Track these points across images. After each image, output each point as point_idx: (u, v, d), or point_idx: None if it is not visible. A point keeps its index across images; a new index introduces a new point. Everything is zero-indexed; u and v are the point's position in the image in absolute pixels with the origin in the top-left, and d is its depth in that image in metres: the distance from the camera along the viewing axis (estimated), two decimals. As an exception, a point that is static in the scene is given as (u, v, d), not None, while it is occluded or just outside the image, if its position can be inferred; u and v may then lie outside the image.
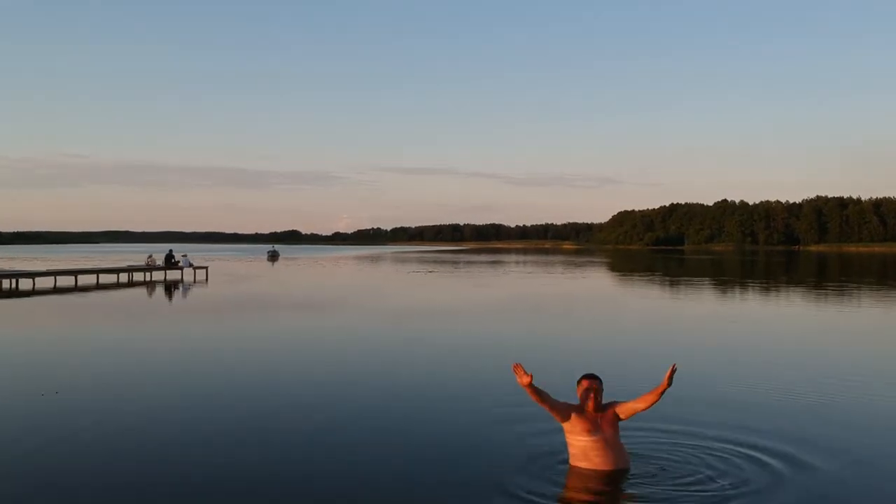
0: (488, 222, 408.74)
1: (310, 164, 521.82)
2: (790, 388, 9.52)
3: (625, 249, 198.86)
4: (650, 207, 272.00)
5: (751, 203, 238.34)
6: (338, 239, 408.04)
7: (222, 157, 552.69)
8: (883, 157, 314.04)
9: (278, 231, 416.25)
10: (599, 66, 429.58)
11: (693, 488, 5.50)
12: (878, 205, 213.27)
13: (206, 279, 35.97)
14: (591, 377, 5.90)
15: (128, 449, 6.70)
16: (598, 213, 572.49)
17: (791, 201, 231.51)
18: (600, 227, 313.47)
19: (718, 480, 5.67)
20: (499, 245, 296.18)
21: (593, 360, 10.26)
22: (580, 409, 5.74)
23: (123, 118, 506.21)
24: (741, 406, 8.40)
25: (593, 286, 35.72)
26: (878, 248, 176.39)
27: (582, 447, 5.70)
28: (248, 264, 61.06)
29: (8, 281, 29.05)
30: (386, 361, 11.88)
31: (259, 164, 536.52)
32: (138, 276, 35.31)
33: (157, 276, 36.77)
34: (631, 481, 5.60)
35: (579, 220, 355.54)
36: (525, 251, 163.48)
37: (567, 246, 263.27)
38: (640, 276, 45.64)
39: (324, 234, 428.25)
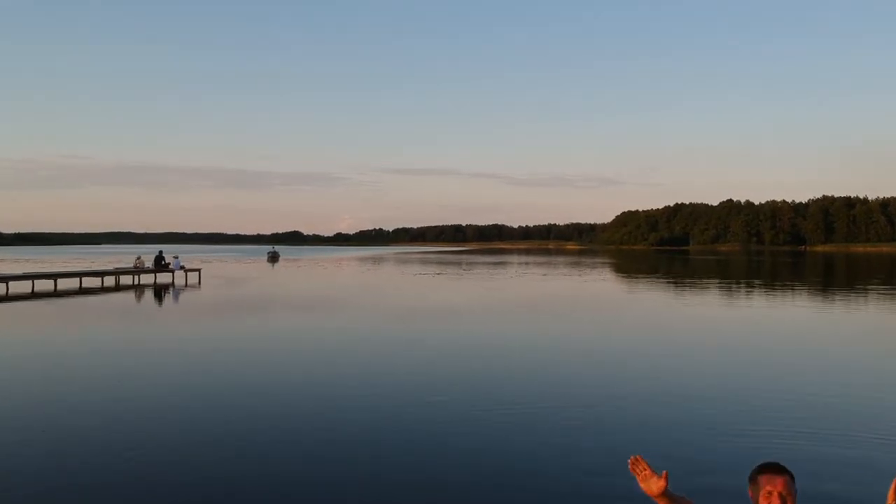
0: (490, 223, 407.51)
1: (310, 164, 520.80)
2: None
3: (629, 250, 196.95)
4: (653, 207, 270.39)
5: (756, 203, 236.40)
6: (340, 240, 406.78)
7: (223, 157, 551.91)
8: (885, 156, 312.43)
9: (280, 232, 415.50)
10: (599, 66, 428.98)
11: None
12: (886, 204, 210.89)
13: (199, 282, 34.06)
14: (773, 470, 2.88)
15: None
16: (600, 213, 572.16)
17: (796, 201, 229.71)
18: (603, 227, 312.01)
19: None
20: (502, 245, 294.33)
21: (644, 370, 8.37)
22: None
23: (124, 119, 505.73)
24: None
25: (612, 289, 33.74)
26: (885, 248, 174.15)
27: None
28: (247, 266, 59.13)
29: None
30: (409, 379, 10.00)
31: (260, 164, 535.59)
32: (126, 280, 33.44)
33: (147, 279, 34.86)
34: None
35: (581, 221, 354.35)
36: (529, 252, 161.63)
37: (571, 246, 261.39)
38: (657, 278, 43.66)
39: (326, 235, 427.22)
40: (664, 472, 2.90)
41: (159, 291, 28.69)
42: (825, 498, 5.52)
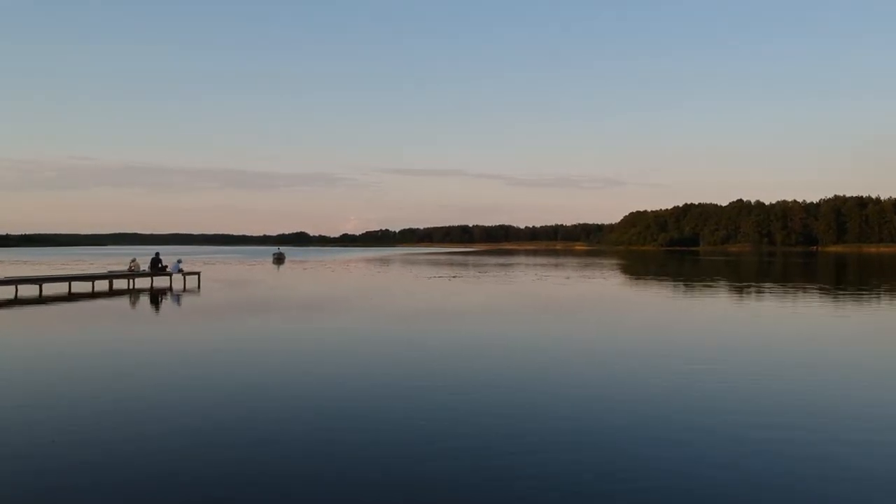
0: (496, 223, 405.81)
1: (313, 165, 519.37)
2: None
3: (638, 250, 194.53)
4: (661, 208, 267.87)
5: (767, 203, 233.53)
6: (346, 240, 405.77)
7: (226, 158, 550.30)
8: (892, 156, 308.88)
9: (286, 233, 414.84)
10: (600, 66, 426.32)
11: None
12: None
13: (199, 286, 31.96)
14: None
15: None
16: (607, 213, 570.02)
17: (807, 201, 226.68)
18: (611, 227, 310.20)
19: None
20: (510, 246, 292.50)
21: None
22: None
23: (128, 119, 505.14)
24: None
25: (649, 294, 31.49)
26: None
27: None
28: (251, 268, 57.00)
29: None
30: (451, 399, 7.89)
31: (263, 165, 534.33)
32: (121, 284, 31.37)
33: (143, 283, 32.75)
34: None
35: (587, 221, 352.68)
36: (538, 253, 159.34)
37: (579, 247, 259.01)
38: (678, 281, 41.39)
39: (332, 236, 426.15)
40: None
41: (155, 296, 26.56)
42: None
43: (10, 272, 41.34)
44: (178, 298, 26.07)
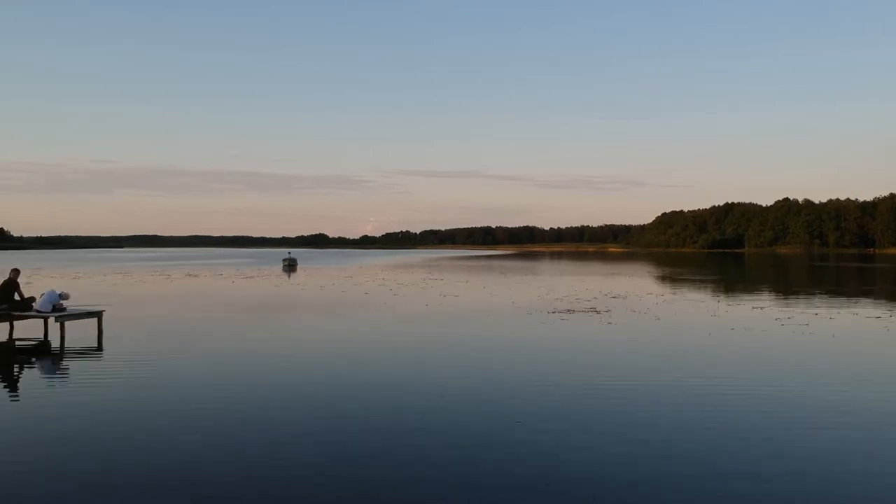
0: (519, 224, 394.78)
1: (332, 167, 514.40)
2: None
3: (678, 252, 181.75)
4: (699, 207, 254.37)
5: (817, 202, 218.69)
6: (366, 242, 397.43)
7: (245, 161, 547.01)
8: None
9: (305, 235, 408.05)
10: (622, 68, 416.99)
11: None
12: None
13: (99, 341, 15.17)
14: None
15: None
16: (632, 214, 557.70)
17: (860, 199, 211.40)
18: (640, 228, 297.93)
19: None
20: (536, 248, 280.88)
21: None
22: None
23: (148, 123, 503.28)
24: None
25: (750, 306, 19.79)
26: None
27: None
28: (250, 281, 45.70)
29: None
30: None
31: (282, 167, 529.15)
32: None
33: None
34: None
35: (612, 223, 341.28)
36: (569, 255, 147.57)
37: (613, 249, 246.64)
38: (790, 291, 29.22)
39: (351, 238, 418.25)
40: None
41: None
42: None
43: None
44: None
